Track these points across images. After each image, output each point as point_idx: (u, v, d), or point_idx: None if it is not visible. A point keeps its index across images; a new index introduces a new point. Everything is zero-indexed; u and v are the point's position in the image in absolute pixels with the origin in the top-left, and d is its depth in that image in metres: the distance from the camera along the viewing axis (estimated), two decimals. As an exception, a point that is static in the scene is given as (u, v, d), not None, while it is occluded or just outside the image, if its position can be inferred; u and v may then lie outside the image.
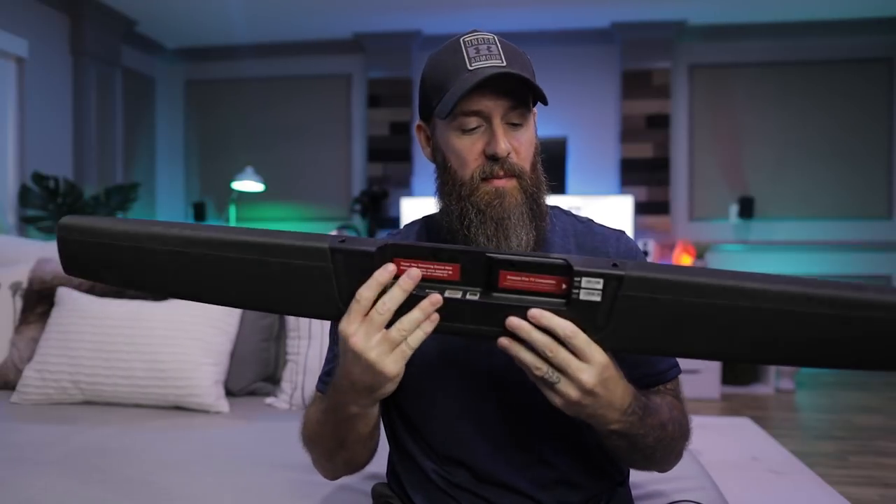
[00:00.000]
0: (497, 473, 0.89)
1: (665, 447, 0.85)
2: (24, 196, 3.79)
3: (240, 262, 0.73)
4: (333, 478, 0.97)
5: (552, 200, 1.02)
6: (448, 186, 0.89)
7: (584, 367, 0.69)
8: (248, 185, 4.57)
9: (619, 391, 0.73)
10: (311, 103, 5.17)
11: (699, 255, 4.59)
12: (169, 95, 5.36)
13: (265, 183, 4.71)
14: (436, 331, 0.71)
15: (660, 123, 4.69)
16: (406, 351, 0.70)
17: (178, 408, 1.73)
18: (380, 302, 0.69)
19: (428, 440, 0.92)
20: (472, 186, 0.86)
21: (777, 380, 4.15)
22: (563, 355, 0.68)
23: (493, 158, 0.84)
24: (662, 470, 0.93)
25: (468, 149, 0.86)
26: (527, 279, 0.70)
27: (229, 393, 1.84)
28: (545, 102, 0.88)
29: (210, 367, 1.73)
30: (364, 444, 0.86)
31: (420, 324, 0.70)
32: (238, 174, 4.61)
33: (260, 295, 0.75)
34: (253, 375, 1.88)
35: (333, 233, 0.72)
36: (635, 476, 1.12)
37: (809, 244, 4.61)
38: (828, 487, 2.40)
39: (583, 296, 0.68)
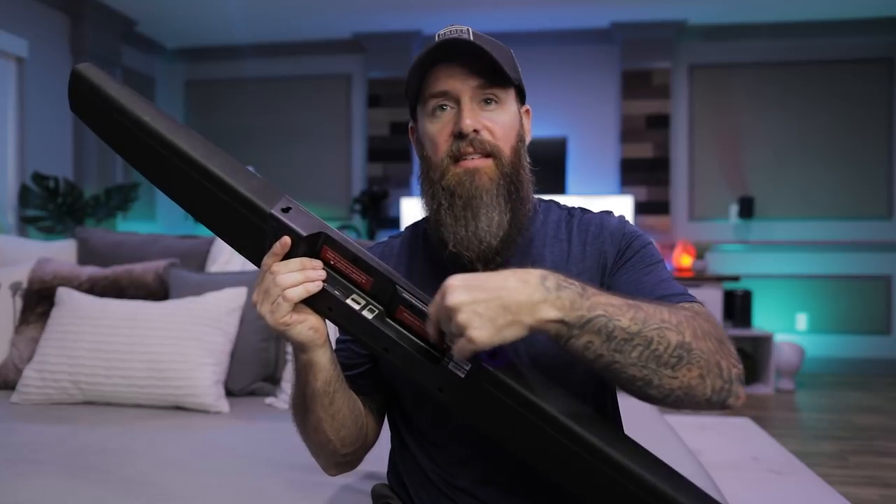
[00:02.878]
0: (498, 477, 0.89)
1: (667, 337, 0.70)
2: (24, 196, 3.79)
3: (198, 182, 0.76)
4: (325, 467, 0.95)
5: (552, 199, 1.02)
6: (424, 174, 0.90)
7: (445, 294, 0.68)
8: (248, 185, 4.57)
9: (499, 276, 0.69)
10: (311, 103, 5.17)
11: (699, 255, 4.59)
12: (169, 95, 5.35)
13: (265, 183, 4.70)
14: (333, 321, 0.78)
15: (660, 123, 4.69)
16: (282, 304, 0.73)
17: (178, 408, 1.73)
18: (280, 277, 0.73)
19: (430, 444, 0.93)
20: (442, 169, 0.86)
21: (777, 380, 4.15)
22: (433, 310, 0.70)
23: (460, 136, 0.85)
24: (704, 386, 0.72)
25: (439, 131, 0.87)
26: (418, 323, 0.75)
27: (229, 393, 1.84)
28: (514, 82, 0.89)
29: (210, 367, 1.73)
30: (325, 409, 0.84)
31: (298, 284, 0.73)
32: (238, 174, 4.61)
33: (206, 214, 0.80)
34: (253, 375, 1.88)
35: (284, 206, 0.74)
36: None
37: (809, 244, 4.61)
38: (828, 487, 2.40)
39: (451, 366, 0.73)
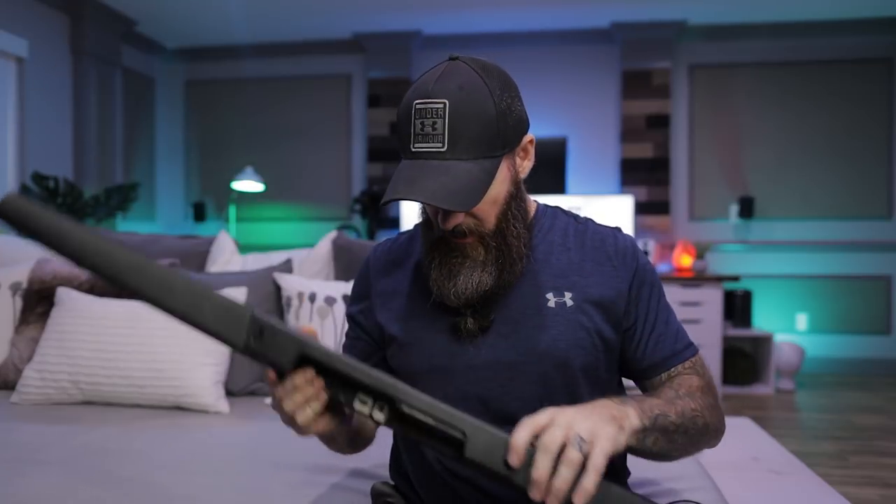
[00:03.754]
0: None
1: (696, 422, 0.86)
2: (25, 196, 3.78)
3: (165, 311, 0.72)
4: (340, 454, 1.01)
5: (553, 201, 1.03)
6: (425, 219, 0.93)
7: (552, 417, 0.71)
8: (248, 185, 4.57)
9: (583, 405, 0.76)
10: (311, 103, 5.17)
11: (699, 255, 4.59)
12: (169, 95, 5.36)
13: (265, 183, 4.71)
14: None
15: (660, 123, 4.69)
16: (301, 427, 0.75)
17: (178, 408, 1.73)
18: (285, 404, 0.74)
19: None
20: (435, 237, 0.89)
21: (777, 380, 4.15)
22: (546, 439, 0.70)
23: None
24: (710, 445, 0.93)
25: (430, 208, 0.89)
26: (427, 420, 0.71)
27: (229, 393, 1.84)
28: (499, 154, 0.86)
29: (210, 367, 1.73)
30: (336, 443, 0.92)
31: (303, 405, 0.73)
32: (238, 174, 4.61)
33: (193, 325, 0.73)
34: (253, 375, 1.88)
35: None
36: (635, 476, 1.12)
37: (809, 244, 4.61)
38: (828, 487, 2.40)
39: (470, 455, 0.70)
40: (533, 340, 0.89)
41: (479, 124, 0.83)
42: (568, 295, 0.91)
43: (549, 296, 0.91)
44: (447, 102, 0.82)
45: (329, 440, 0.90)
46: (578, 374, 0.90)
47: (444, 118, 0.82)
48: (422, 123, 0.83)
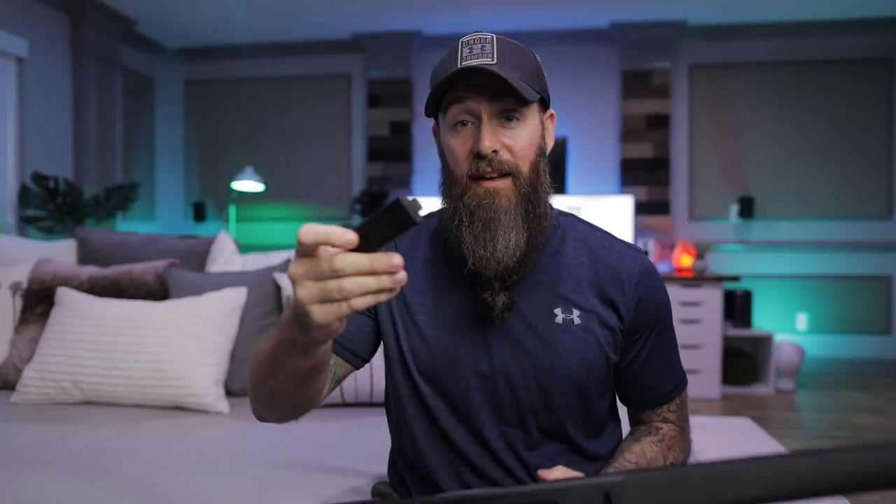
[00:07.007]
0: (490, 472, 0.90)
1: None
2: (24, 196, 3.79)
3: None
4: (260, 414, 0.88)
5: (552, 201, 1.02)
6: (446, 185, 0.90)
7: None
8: (248, 185, 4.57)
9: None
10: (311, 103, 5.17)
11: (699, 255, 4.59)
12: (169, 95, 5.36)
13: (265, 183, 4.70)
14: None
15: (660, 123, 4.69)
16: (343, 309, 0.56)
17: (178, 408, 1.73)
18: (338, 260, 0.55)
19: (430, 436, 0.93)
20: (463, 186, 0.86)
21: (777, 380, 4.15)
22: None
23: (479, 156, 0.84)
24: None
25: (459, 147, 0.87)
26: None
27: (229, 393, 1.84)
28: (541, 100, 0.89)
29: (210, 367, 1.73)
30: (295, 389, 0.75)
31: (371, 292, 0.56)
32: (238, 174, 4.61)
33: None
34: (253, 375, 1.88)
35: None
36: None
37: (809, 244, 4.61)
38: (828, 487, 2.39)
39: None
40: (536, 355, 0.88)
41: (523, 55, 0.87)
42: (576, 312, 0.89)
43: (558, 311, 0.89)
44: (494, 36, 0.86)
45: (273, 375, 0.74)
46: (576, 393, 0.90)
47: (493, 44, 0.85)
48: (470, 48, 0.85)
